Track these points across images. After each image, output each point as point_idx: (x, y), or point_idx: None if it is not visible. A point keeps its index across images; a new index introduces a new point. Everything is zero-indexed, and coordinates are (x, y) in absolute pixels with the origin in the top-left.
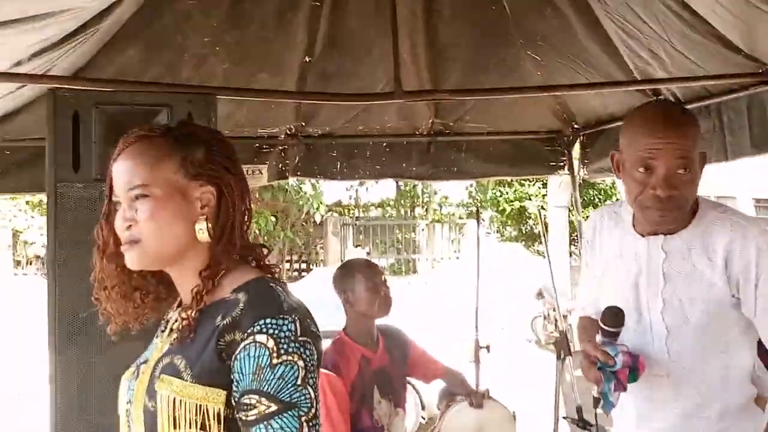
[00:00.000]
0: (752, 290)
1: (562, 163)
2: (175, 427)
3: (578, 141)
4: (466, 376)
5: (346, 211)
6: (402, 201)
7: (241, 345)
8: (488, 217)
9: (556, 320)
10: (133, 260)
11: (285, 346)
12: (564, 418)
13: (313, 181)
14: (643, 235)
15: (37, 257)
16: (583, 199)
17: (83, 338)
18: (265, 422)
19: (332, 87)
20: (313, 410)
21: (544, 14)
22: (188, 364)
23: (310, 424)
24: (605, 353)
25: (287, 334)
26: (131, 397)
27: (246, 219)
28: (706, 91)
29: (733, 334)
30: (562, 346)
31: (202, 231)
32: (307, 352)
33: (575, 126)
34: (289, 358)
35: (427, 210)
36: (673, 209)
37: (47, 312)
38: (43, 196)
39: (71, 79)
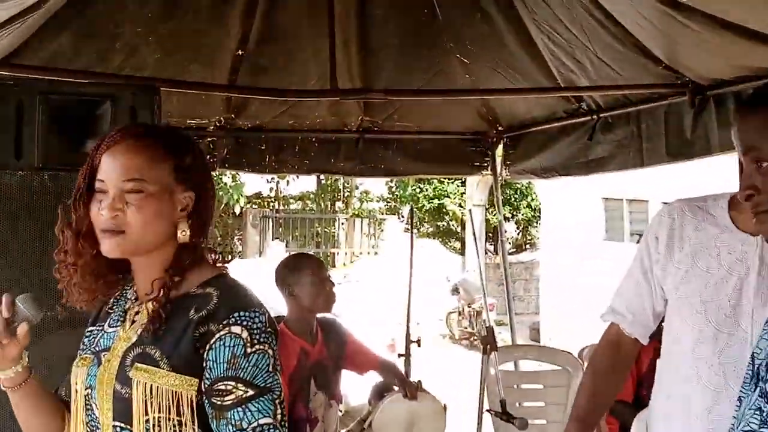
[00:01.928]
0: None
1: (485, 164)
2: (147, 413)
3: (501, 143)
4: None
5: (265, 203)
6: (323, 195)
7: (216, 335)
8: (407, 213)
9: (470, 316)
10: (112, 248)
11: (258, 336)
12: (488, 411)
13: (233, 172)
14: (753, 234)
15: None
16: (495, 198)
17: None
18: (243, 406)
19: (263, 81)
20: (282, 394)
21: (474, 20)
22: (164, 354)
23: (281, 406)
24: None
25: (259, 325)
26: (92, 383)
27: (212, 223)
28: (626, 99)
29: None
30: (488, 341)
31: (184, 232)
32: (274, 342)
33: (499, 128)
34: (261, 347)
35: (347, 204)
36: None
37: None
38: None
39: (17, 67)
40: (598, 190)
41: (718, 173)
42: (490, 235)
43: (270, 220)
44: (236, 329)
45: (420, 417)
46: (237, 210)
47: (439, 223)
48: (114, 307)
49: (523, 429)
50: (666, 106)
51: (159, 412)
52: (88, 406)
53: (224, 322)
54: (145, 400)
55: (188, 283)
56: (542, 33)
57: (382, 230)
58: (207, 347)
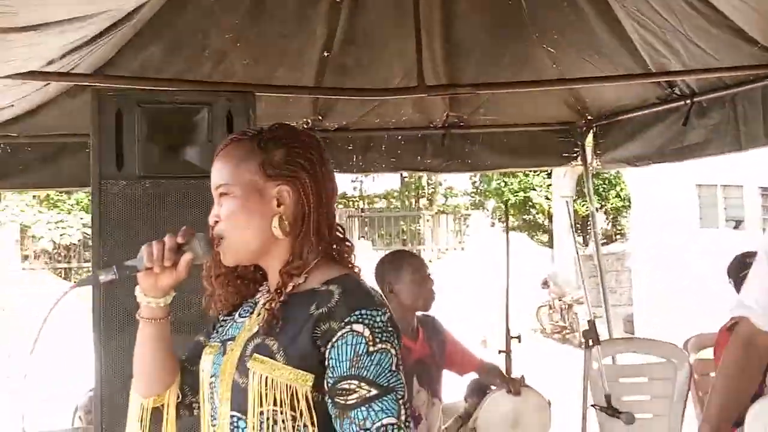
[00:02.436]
0: None
1: (575, 155)
2: (262, 404)
3: (591, 132)
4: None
5: (350, 203)
6: (407, 192)
7: (338, 333)
8: (492, 207)
9: (561, 309)
10: (222, 256)
11: (380, 335)
12: (593, 406)
13: None
14: None
15: (45, 251)
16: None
17: (127, 335)
18: (366, 405)
19: (349, 81)
20: (406, 394)
21: (560, 8)
22: (281, 347)
23: (405, 406)
24: None
25: (380, 324)
26: (217, 371)
27: (326, 216)
28: (721, 83)
29: None
30: (590, 335)
31: (276, 228)
32: (396, 342)
33: (588, 117)
34: (384, 346)
35: (431, 201)
36: None
37: (92, 309)
38: (51, 192)
39: (116, 78)
40: (691, 176)
41: None
42: (579, 226)
43: (356, 219)
44: (358, 327)
45: (524, 413)
46: None
47: (525, 216)
48: (248, 299)
49: (629, 423)
50: (762, 87)
51: (274, 405)
52: (211, 395)
53: (346, 320)
54: (261, 392)
55: (313, 280)
56: (631, 18)
57: (467, 225)
58: (328, 345)
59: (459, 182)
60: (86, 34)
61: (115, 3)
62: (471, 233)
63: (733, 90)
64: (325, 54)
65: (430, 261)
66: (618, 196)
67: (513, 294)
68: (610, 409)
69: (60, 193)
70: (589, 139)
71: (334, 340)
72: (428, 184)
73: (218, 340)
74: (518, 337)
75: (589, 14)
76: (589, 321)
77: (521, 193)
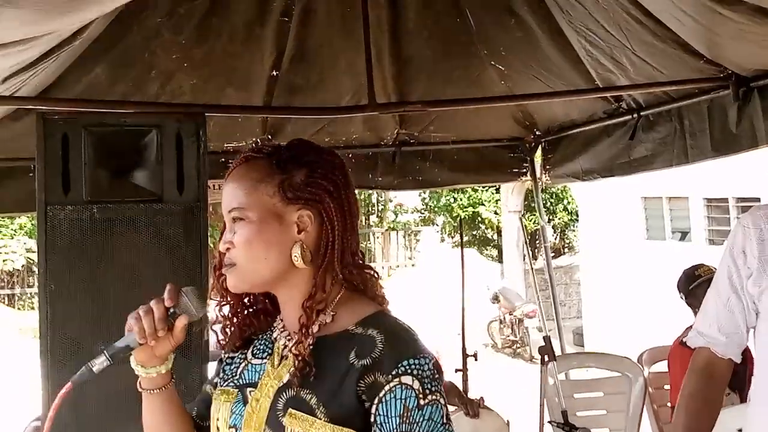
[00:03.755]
0: None
1: (524, 170)
2: None
3: (540, 147)
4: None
5: None
6: None
7: (386, 387)
8: (441, 223)
9: (512, 324)
10: (230, 283)
11: (429, 386)
12: (549, 422)
13: None
14: None
15: None
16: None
17: (75, 362)
18: None
19: (299, 100)
20: None
21: (507, 25)
22: (321, 402)
23: None
24: None
25: (429, 374)
26: (238, 423)
27: (351, 243)
28: (667, 97)
29: None
30: (546, 351)
31: (297, 257)
32: (443, 390)
33: (537, 133)
34: (434, 397)
35: (381, 218)
36: None
37: (39, 334)
38: None
39: (61, 101)
40: (637, 189)
41: (755, 164)
42: (528, 240)
43: None
44: (407, 380)
45: None
46: None
47: (474, 232)
48: (259, 335)
49: None
50: (709, 100)
51: None
52: None
53: (393, 372)
54: None
55: (345, 319)
56: (578, 34)
57: (418, 241)
58: (376, 401)
59: (409, 199)
60: (29, 57)
61: (58, 24)
62: (421, 249)
63: (679, 103)
64: (274, 73)
65: (381, 278)
66: (566, 210)
67: (466, 309)
68: (567, 426)
69: (2, 218)
70: (538, 155)
71: (381, 395)
72: (378, 201)
73: (232, 384)
74: (474, 355)
75: (537, 31)
76: (545, 337)
77: (471, 209)
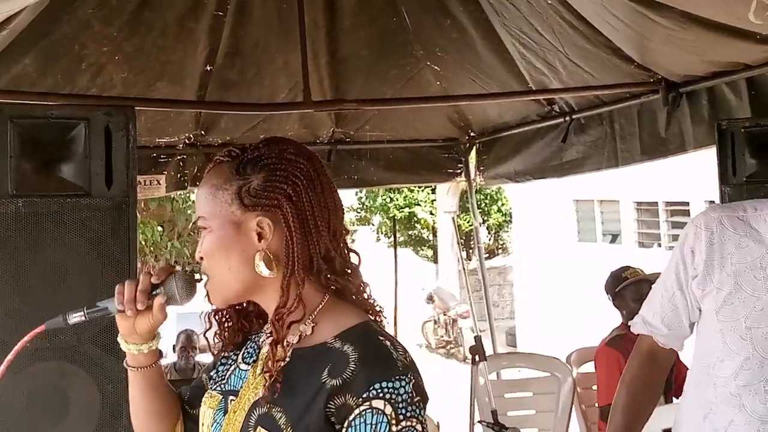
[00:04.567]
0: None
1: (459, 170)
2: None
3: (474, 148)
4: None
5: None
6: None
7: (356, 411)
8: (377, 222)
9: (446, 324)
10: (209, 297)
11: (403, 410)
12: (479, 422)
13: None
14: None
15: None
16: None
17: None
18: None
19: (233, 96)
20: None
21: (443, 26)
22: (288, 422)
23: None
24: None
25: (404, 397)
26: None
27: (320, 247)
28: (599, 100)
29: None
30: (477, 350)
31: (257, 265)
32: (423, 413)
33: (471, 134)
34: (409, 424)
35: None
36: None
37: None
38: None
39: None
40: (569, 192)
41: (684, 169)
42: (462, 241)
43: None
44: (378, 404)
45: None
46: None
47: (410, 232)
48: (252, 335)
49: None
50: (639, 105)
51: None
52: None
53: (363, 396)
54: None
55: (324, 330)
56: (512, 37)
57: (353, 241)
58: (345, 424)
59: (345, 198)
60: None
61: None
62: (357, 249)
63: (610, 107)
64: (208, 68)
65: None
66: (500, 211)
67: (398, 309)
68: (497, 425)
69: None
70: (472, 155)
71: (351, 418)
72: None
73: (219, 389)
74: None
75: (472, 33)
76: (475, 337)
77: (406, 209)
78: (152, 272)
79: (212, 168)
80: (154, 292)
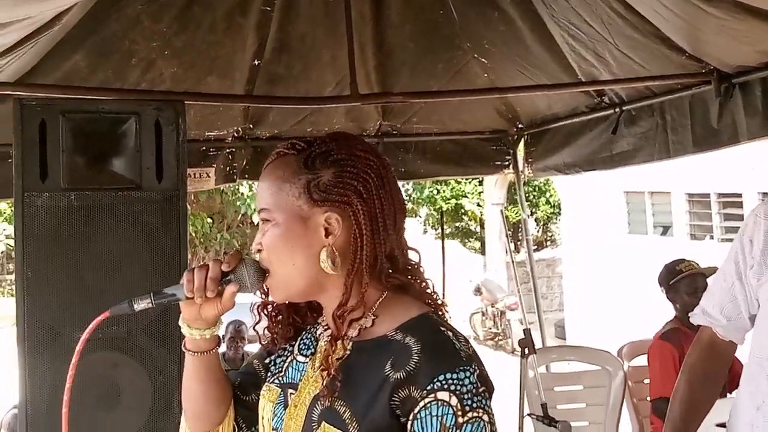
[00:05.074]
0: None
1: (507, 162)
2: None
3: (522, 140)
4: None
5: None
6: None
7: (421, 404)
8: (424, 215)
9: (494, 316)
10: (270, 292)
11: (469, 401)
12: (529, 415)
13: (251, 182)
14: None
15: None
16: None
17: (52, 349)
18: None
19: (280, 90)
20: None
21: (490, 18)
22: (354, 416)
23: None
24: None
25: (469, 388)
26: (278, 426)
27: (386, 245)
28: (649, 91)
29: None
30: (526, 343)
31: (323, 262)
32: (489, 403)
33: (519, 126)
34: (475, 414)
35: None
36: None
37: (16, 322)
38: None
39: (39, 87)
40: (619, 183)
41: (737, 161)
42: (510, 233)
43: None
44: (443, 395)
45: None
46: (255, 220)
47: (457, 224)
48: (307, 326)
49: None
50: (690, 96)
51: None
52: None
53: (428, 388)
54: None
55: (384, 322)
56: (561, 28)
57: None
58: (411, 417)
59: None
60: (7, 42)
61: (36, 9)
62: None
63: (661, 98)
64: (256, 62)
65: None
66: (548, 203)
67: (447, 301)
68: (547, 419)
69: None
70: (521, 148)
71: (416, 411)
72: None
73: (277, 382)
74: None
75: (520, 25)
76: (525, 330)
77: (453, 201)
78: (222, 259)
79: (275, 160)
80: (223, 280)
